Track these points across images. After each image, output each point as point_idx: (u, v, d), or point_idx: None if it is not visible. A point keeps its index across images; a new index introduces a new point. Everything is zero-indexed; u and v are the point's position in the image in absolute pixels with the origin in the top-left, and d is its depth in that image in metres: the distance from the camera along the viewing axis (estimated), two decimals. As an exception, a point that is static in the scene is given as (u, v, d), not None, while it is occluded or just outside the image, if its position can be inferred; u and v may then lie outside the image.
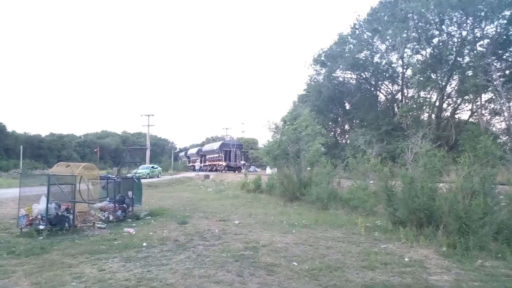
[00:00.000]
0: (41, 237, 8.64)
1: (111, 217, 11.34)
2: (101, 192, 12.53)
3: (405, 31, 24.65)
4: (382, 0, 29.48)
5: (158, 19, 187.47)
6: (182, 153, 76.74)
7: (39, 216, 9.17)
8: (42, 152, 70.50)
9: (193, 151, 64.17)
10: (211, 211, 14.17)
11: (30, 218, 9.21)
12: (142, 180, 16.73)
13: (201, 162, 55.10)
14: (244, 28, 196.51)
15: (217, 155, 48.85)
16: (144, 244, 8.10)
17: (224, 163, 46.34)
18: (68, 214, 9.57)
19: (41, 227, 9.00)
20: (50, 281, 5.57)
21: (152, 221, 11.63)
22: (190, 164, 61.56)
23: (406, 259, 6.82)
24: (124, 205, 12.15)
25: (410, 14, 24.90)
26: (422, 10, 23.89)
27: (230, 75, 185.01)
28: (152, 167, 43.34)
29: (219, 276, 5.78)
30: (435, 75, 26.32)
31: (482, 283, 5.56)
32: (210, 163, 52.06)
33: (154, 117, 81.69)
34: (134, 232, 9.54)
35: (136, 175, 14.93)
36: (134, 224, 10.90)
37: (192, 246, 8.00)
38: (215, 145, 51.42)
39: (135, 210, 12.75)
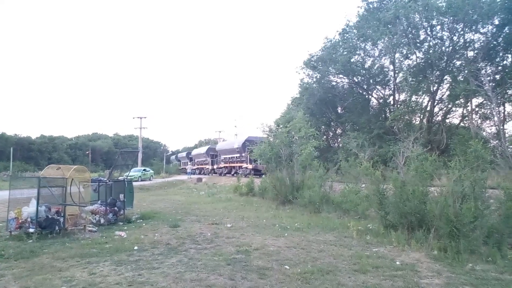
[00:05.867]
0: (31, 240, 8.53)
1: (102, 220, 11.23)
2: (92, 195, 12.42)
3: (394, 36, 24.84)
4: (369, 6, 29.67)
5: (151, 22, 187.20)
6: (183, 154, 70.55)
7: (29, 219, 9.07)
8: (33, 154, 69.83)
9: (200, 150, 55.90)
10: (203, 214, 14.10)
11: (20, 221, 9.10)
12: (134, 183, 16.62)
13: (212, 164, 48.19)
14: (238, 29, 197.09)
15: (238, 155, 38.50)
16: (136, 247, 8.04)
17: (249, 166, 34.73)
18: (58, 217, 9.47)
19: (31, 230, 8.90)
20: (40, 285, 5.50)
21: (144, 224, 11.54)
22: (196, 167, 54.03)
23: (398, 263, 6.86)
24: (116, 208, 12.05)
25: (398, 19, 25.12)
26: (410, 14, 24.11)
27: (223, 77, 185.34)
28: (144, 170, 43.21)
29: (211, 280, 5.75)
30: (426, 79, 26.58)
31: (473, 287, 5.61)
32: (225, 165, 42.83)
33: (146, 119, 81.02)
34: (125, 236, 9.46)
35: (128, 178, 14.81)
36: (125, 228, 10.80)
37: (184, 249, 7.96)
38: (236, 143, 40.63)
39: (127, 213, 12.66)
